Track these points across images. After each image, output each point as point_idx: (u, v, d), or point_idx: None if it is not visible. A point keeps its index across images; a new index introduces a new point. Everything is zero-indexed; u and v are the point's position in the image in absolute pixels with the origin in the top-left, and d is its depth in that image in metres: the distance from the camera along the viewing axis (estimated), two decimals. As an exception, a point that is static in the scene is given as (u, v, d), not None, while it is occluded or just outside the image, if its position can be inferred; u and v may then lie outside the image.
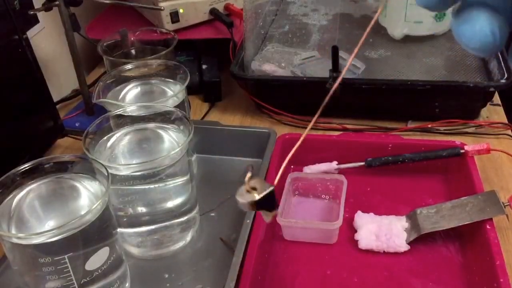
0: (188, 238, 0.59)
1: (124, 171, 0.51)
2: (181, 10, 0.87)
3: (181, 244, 0.58)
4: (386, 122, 0.76)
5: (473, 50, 0.22)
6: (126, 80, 0.64)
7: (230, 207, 0.63)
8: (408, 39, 0.84)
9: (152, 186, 0.53)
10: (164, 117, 0.56)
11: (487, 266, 0.50)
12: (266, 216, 0.24)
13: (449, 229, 0.56)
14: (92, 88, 0.65)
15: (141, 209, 0.55)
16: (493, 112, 0.78)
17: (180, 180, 0.55)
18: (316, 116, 0.27)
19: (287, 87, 0.78)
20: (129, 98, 0.63)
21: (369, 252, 0.57)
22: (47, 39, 0.87)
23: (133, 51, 0.74)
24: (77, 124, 0.79)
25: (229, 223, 0.61)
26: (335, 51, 0.71)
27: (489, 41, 0.21)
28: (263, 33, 0.89)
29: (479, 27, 0.21)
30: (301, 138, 0.27)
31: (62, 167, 0.48)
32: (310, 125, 0.27)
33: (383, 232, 0.57)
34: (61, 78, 0.89)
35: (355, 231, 0.58)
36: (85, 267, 0.45)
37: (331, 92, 0.29)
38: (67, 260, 0.43)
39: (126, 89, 0.64)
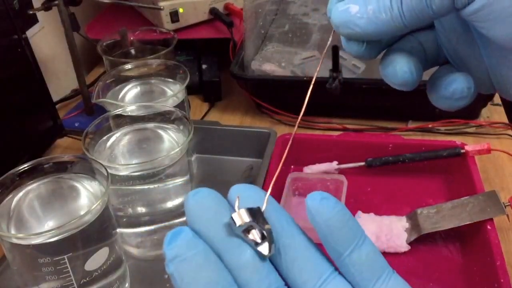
0: (188, 238, 0.59)
1: (123, 171, 0.51)
2: (180, 10, 0.87)
3: (181, 244, 0.58)
4: (386, 122, 0.76)
5: (397, 86, 0.27)
6: (125, 80, 0.64)
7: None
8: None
9: (151, 186, 0.53)
10: (163, 117, 0.56)
11: (487, 266, 0.50)
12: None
13: (449, 229, 0.56)
14: (92, 88, 0.65)
15: (141, 209, 0.55)
16: (494, 112, 0.78)
17: (180, 180, 0.55)
18: (302, 113, 0.28)
19: (287, 87, 0.78)
20: (129, 98, 0.63)
21: (369, 252, 0.56)
22: (46, 39, 0.87)
23: (132, 51, 0.74)
24: (76, 124, 0.79)
25: (229, 223, 0.60)
26: (335, 51, 0.71)
27: (408, 77, 0.26)
28: (263, 33, 0.89)
29: (399, 67, 0.26)
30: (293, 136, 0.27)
31: (61, 167, 0.48)
32: (297, 122, 0.28)
33: (383, 232, 0.57)
34: (60, 78, 0.89)
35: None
36: (85, 268, 0.45)
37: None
38: (66, 260, 0.43)
39: (125, 89, 0.63)
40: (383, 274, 0.23)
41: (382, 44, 0.27)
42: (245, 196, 0.24)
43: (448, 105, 0.27)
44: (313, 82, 0.28)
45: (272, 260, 0.24)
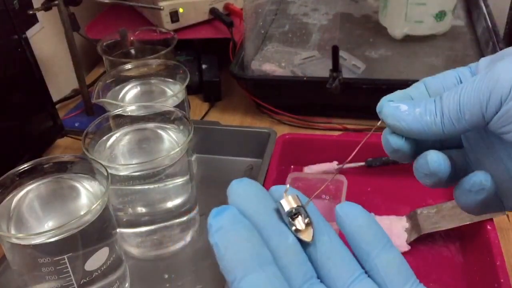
0: (188, 238, 0.59)
1: (123, 171, 0.51)
2: (180, 10, 0.87)
3: (181, 244, 0.58)
4: (386, 122, 0.76)
5: (428, 177, 0.29)
6: (125, 80, 0.64)
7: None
8: (408, 39, 0.84)
9: (151, 186, 0.53)
10: (163, 117, 0.56)
11: (487, 266, 0.50)
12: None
13: (449, 229, 0.56)
14: (92, 88, 0.65)
15: (141, 209, 0.55)
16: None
17: (179, 180, 0.55)
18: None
19: (287, 87, 0.78)
20: (129, 98, 0.63)
21: (370, 252, 0.56)
22: (46, 39, 0.87)
23: (132, 51, 0.74)
24: (76, 124, 0.79)
25: (229, 223, 0.60)
26: (335, 51, 0.71)
27: (437, 167, 0.29)
28: (263, 33, 0.89)
29: (430, 157, 0.29)
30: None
31: (61, 167, 0.48)
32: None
33: (383, 232, 0.57)
34: (60, 78, 0.89)
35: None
36: (85, 267, 0.45)
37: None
38: (66, 260, 0.43)
39: (125, 89, 0.63)
40: (410, 280, 0.25)
41: (418, 146, 0.30)
42: (278, 195, 0.26)
43: (470, 199, 0.30)
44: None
45: (307, 253, 0.25)
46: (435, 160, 0.29)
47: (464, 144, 0.32)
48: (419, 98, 0.30)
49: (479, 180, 0.29)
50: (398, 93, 0.31)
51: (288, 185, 0.26)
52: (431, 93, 0.31)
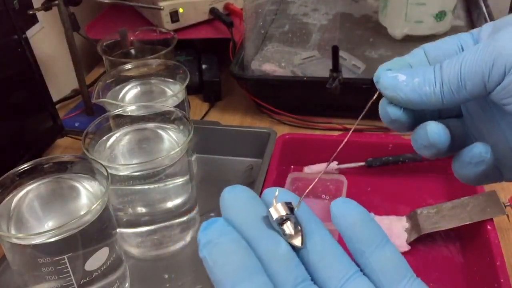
0: (188, 238, 0.59)
1: (123, 171, 0.51)
2: (180, 10, 0.87)
3: (181, 244, 0.58)
4: (387, 122, 0.76)
5: (427, 148, 0.29)
6: (125, 80, 0.64)
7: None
8: (408, 39, 0.84)
9: (151, 186, 0.53)
10: (163, 117, 0.56)
11: (487, 266, 0.50)
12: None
13: (449, 229, 0.56)
14: (92, 88, 0.65)
15: (141, 209, 0.55)
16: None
17: (179, 180, 0.55)
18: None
19: (287, 87, 0.78)
20: (129, 98, 0.63)
21: (370, 252, 0.56)
22: (46, 39, 0.87)
23: (132, 51, 0.74)
24: (76, 124, 0.79)
25: (229, 223, 0.60)
26: (335, 51, 0.71)
27: (437, 138, 0.28)
28: (263, 33, 0.89)
29: (430, 128, 0.28)
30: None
31: (61, 167, 0.48)
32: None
33: (383, 232, 0.57)
34: (60, 78, 0.89)
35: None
36: (85, 267, 0.45)
37: None
38: (66, 260, 0.43)
39: (125, 89, 0.63)
40: (406, 277, 0.25)
41: (416, 116, 0.29)
42: (279, 198, 0.26)
43: (468, 171, 0.29)
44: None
45: (300, 256, 0.25)
46: (435, 132, 0.28)
47: (463, 113, 0.32)
48: (418, 66, 0.29)
49: (478, 152, 0.28)
50: (396, 60, 0.30)
51: (277, 192, 0.26)
52: (431, 60, 0.30)
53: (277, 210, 0.25)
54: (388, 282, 0.25)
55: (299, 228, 0.25)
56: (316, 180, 0.30)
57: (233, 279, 0.23)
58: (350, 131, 0.33)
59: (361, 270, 0.25)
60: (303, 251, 0.25)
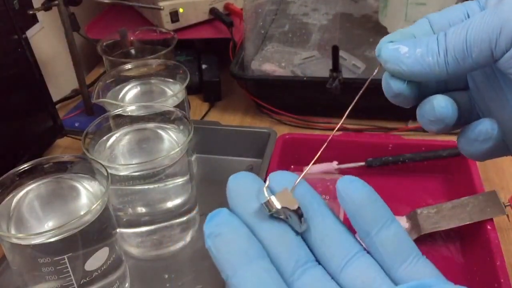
0: (188, 238, 0.59)
1: (123, 171, 0.51)
2: (180, 10, 0.87)
3: (181, 244, 0.58)
4: (386, 122, 0.76)
5: (435, 123, 0.28)
6: (125, 80, 0.64)
7: (230, 207, 0.63)
8: (408, 39, 0.84)
9: (151, 186, 0.53)
10: (163, 117, 0.56)
11: (487, 266, 0.50)
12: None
13: (449, 229, 0.56)
14: (92, 88, 0.65)
15: (141, 209, 0.55)
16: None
17: (179, 180, 0.55)
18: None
19: (287, 87, 0.78)
20: (129, 98, 0.63)
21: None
22: (46, 39, 0.87)
23: (132, 51, 0.74)
24: (76, 124, 0.79)
25: (229, 223, 0.60)
26: (335, 51, 0.71)
27: (445, 112, 0.27)
28: (263, 33, 0.89)
29: (437, 102, 0.27)
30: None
31: (61, 167, 0.48)
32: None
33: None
34: (60, 78, 0.89)
35: (356, 231, 0.58)
36: (85, 267, 0.45)
37: None
38: (66, 260, 0.43)
39: (125, 89, 0.63)
40: (411, 255, 0.25)
41: (421, 89, 0.28)
42: (279, 179, 0.27)
43: (475, 148, 0.28)
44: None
45: (304, 237, 0.26)
46: (442, 106, 0.27)
47: (470, 86, 0.30)
48: (422, 36, 0.28)
49: (485, 128, 0.27)
50: (399, 31, 0.29)
51: (266, 186, 0.26)
52: (436, 30, 0.28)
53: (270, 205, 0.25)
54: (392, 261, 0.25)
55: (296, 213, 0.25)
56: (311, 164, 0.31)
57: (234, 265, 0.24)
58: (339, 124, 0.32)
59: (366, 249, 0.25)
60: (306, 232, 0.26)
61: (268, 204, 0.25)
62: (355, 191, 0.26)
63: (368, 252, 0.25)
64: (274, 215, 0.25)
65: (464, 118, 0.29)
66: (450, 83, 0.31)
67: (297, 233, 0.26)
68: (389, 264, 0.25)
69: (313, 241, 0.26)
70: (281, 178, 0.27)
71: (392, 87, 0.28)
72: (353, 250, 0.25)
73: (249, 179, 0.27)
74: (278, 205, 0.25)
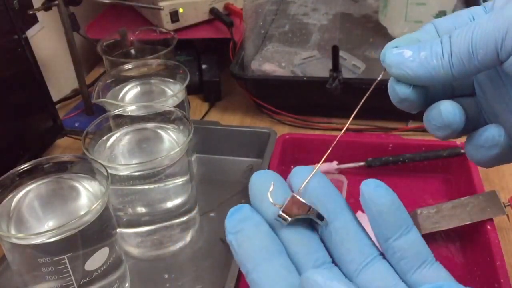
0: (188, 238, 0.59)
1: (123, 171, 0.51)
2: (180, 10, 0.87)
3: (181, 244, 0.58)
4: (387, 122, 0.76)
5: (441, 129, 0.28)
6: (125, 79, 0.64)
7: (230, 207, 0.62)
8: (408, 39, 0.84)
9: (151, 186, 0.53)
10: (163, 117, 0.56)
11: (487, 266, 0.50)
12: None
13: (449, 229, 0.56)
14: (92, 88, 0.65)
15: (141, 209, 0.55)
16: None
17: (179, 180, 0.55)
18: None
19: (287, 87, 0.78)
20: (129, 98, 0.63)
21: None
22: (46, 39, 0.87)
23: (132, 51, 0.74)
24: (76, 124, 0.79)
25: (229, 223, 0.60)
26: (335, 51, 0.71)
27: (452, 118, 0.27)
28: (263, 33, 0.88)
29: (444, 107, 0.27)
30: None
31: (61, 167, 0.48)
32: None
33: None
34: (60, 78, 0.89)
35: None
36: (85, 267, 0.45)
37: None
38: (66, 260, 0.43)
39: (125, 89, 0.63)
40: (426, 261, 0.26)
41: (427, 93, 0.28)
42: (300, 176, 0.28)
43: (482, 154, 0.28)
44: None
45: (323, 238, 0.27)
46: (449, 111, 0.27)
47: (476, 91, 0.30)
48: (426, 40, 0.28)
49: (491, 135, 0.27)
50: (405, 37, 0.28)
51: (271, 187, 0.26)
52: (442, 35, 0.28)
53: (284, 216, 0.26)
54: (408, 266, 0.25)
55: (313, 216, 0.26)
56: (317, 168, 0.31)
57: (255, 260, 0.25)
58: (346, 126, 0.32)
59: (382, 253, 0.26)
60: (326, 233, 0.26)
61: (280, 218, 0.26)
62: (380, 197, 0.26)
63: (384, 258, 0.26)
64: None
65: (471, 124, 0.29)
66: (457, 89, 0.30)
67: (317, 230, 0.27)
68: (404, 269, 0.26)
69: (332, 242, 0.26)
70: (302, 174, 0.28)
71: (398, 92, 0.28)
72: (371, 255, 0.26)
73: (270, 177, 0.27)
74: (292, 214, 0.26)
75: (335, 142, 0.32)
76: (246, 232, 0.25)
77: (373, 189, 0.26)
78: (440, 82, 0.27)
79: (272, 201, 0.26)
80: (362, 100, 0.31)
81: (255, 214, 0.26)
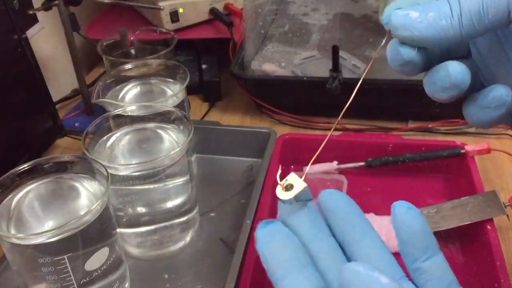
0: (188, 238, 0.59)
1: (123, 171, 0.51)
2: (180, 10, 0.87)
3: (181, 244, 0.58)
4: (386, 122, 0.76)
5: (448, 90, 0.27)
6: (125, 79, 0.64)
7: (230, 207, 0.63)
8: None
9: (151, 186, 0.53)
10: (163, 117, 0.56)
11: (487, 266, 0.50)
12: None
13: (449, 229, 0.56)
14: (92, 88, 0.65)
15: (141, 209, 0.55)
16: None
17: (179, 180, 0.55)
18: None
19: (287, 87, 0.78)
20: (129, 98, 0.63)
21: (369, 252, 0.56)
22: (46, 39, 0.87)
23: (132, 51, 0.74)
24: (76, 124, 0.79)
25: (229, 223, 0.60)
26: (335, 51, 0.71)
27: (461, 78, 0.27)
28: (263, 33, 0.88)
29: (452, 67, 0.27)
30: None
31: (61, 167, 0.48)
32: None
33: (383, 232, 0.56)
34: (60, 78, 0.89)
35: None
36: (85, 268, 0.45)
37: None
38: (66, 260, 0.43)
39: (125, 89, 0.63)
40: (452, 283, 0.26)
41: (429, 58, 0.28)
42: (329, 198, 0.29)
43: (486, 115, 0.28)
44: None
45: (350, 255, 0.28)
46: (458, 72, 0.26)
47: (473, 54, 0.30)
48: (428, 3, 0.27)
49: (499, 94, 0.27)
50: None
51: (278, 172, 0.29)
52: None
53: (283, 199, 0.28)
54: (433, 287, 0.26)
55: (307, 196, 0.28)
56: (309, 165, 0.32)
57: (285, 269, 0.26)
58: (336, 121, 0.32)
59: (407, 275, 0.27)
60: (353, 251, 0.28)
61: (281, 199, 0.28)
62: (411, 220, 0.27)
63: (409, 279, 0.27)
64: (322, 226, 0.28)
65: (469, 88, 0.29)
66: (452, 51, 0.30)
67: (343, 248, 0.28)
68: None
69: (360, 260, 0.27)
70: (330, 197, 0.29)
71: (403, 55, 0.27)
72: (397, 275, 0.27)
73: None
74: (291, 195, 0.27)
75: (325, 140, 0.33)
76: (278, 242, 0.27)
77: (406, 211, 0.27)
78: (448, 43, 0.26)
79: (280, 181, 0.28)
80: (355, 89, 0.32)
81: (285, 228, 0.27)
